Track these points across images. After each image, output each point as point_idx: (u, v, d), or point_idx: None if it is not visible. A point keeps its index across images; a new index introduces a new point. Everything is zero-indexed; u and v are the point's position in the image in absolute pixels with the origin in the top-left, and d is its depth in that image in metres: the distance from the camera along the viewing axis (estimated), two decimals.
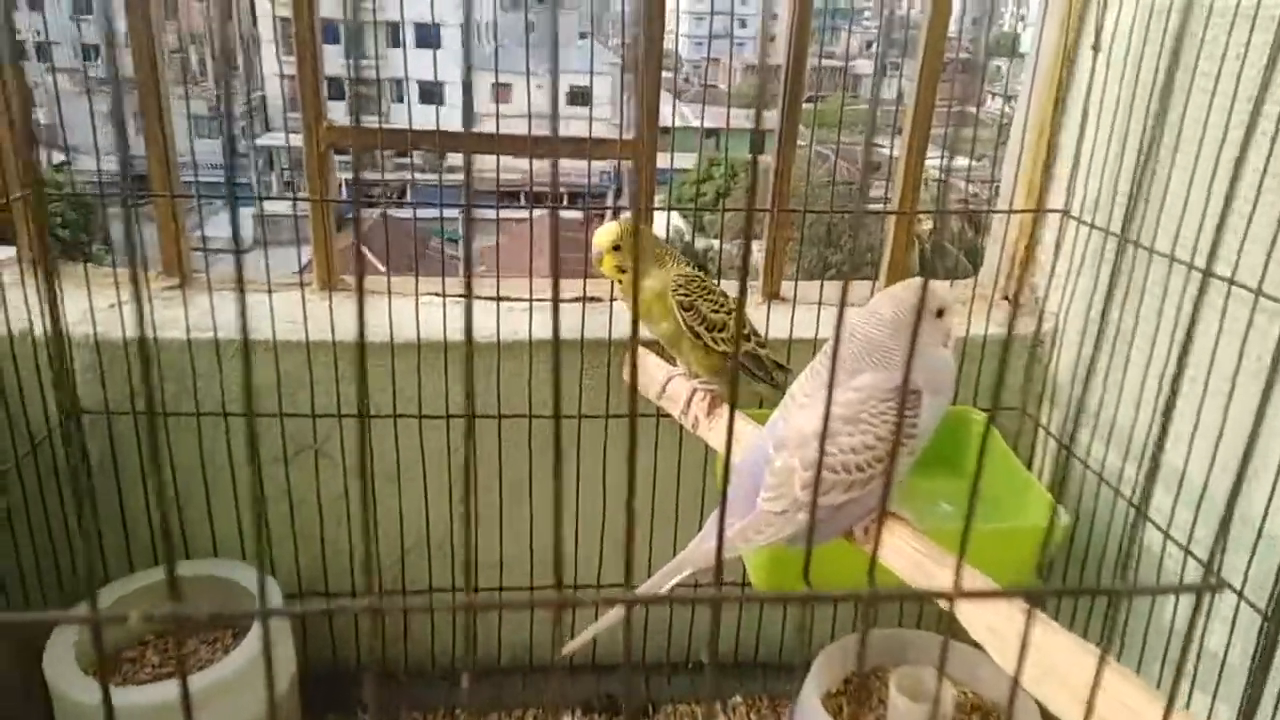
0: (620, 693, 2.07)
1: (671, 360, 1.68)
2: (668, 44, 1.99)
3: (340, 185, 1.96)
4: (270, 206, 1.82)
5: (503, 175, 1.79)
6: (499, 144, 1.81)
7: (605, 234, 1.57)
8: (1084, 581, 1.83)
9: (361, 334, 0.44)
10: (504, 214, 1.87)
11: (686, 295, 1.55)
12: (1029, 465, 2.04)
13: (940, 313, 1.20)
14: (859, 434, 1.18)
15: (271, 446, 1.82)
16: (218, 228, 2.19)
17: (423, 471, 1.87)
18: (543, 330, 1.81)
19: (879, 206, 1.94)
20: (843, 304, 0.54)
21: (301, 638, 1.90)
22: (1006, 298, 2.10)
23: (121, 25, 1.73)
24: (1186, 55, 1.55)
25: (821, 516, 1.22)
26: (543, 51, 1.71)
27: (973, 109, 1.90)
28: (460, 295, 1.86)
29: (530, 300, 1.83)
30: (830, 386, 1.07)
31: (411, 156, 1.90)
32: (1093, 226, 1.81)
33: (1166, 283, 1.60)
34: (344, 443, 1.83)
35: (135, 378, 1.73)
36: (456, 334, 1.78)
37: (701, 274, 1.60)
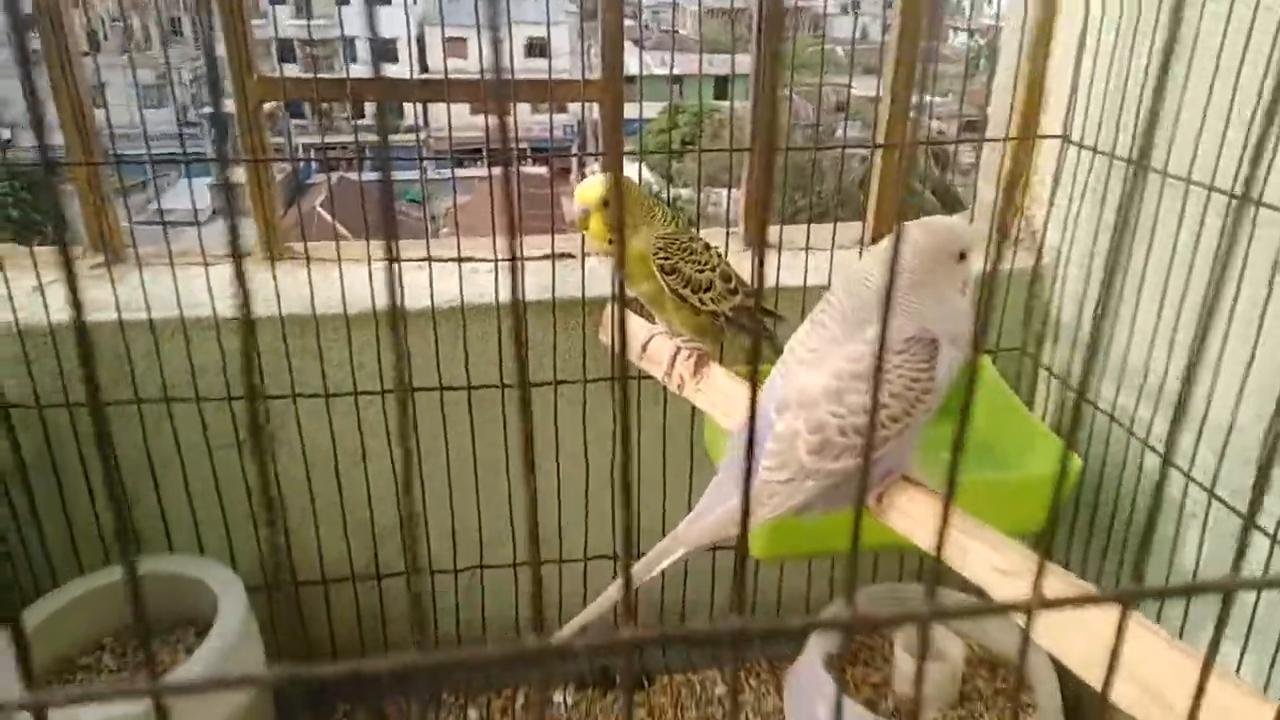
0: (615, 665, 1.98)
1: (651, 318, 1.55)
2: None
3: (299, 149, 1.78)
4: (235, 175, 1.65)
5: (463, 133, 1.64)
6: (451, 91, 1.65)
7: (591, 189, 1.39)
8: (1095, 529, 1.74)
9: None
10: (464, 172, 1.72)
11: (668, 258, 1.41)
12: (1030, 407, 1.94)
13: (961, 255, 1.08)
14: (869, 392, 1.06)
15: (222, 432, 1.67)
16: (177, 199, 2.02)
17: (362, 451, 1.74)
18: (530, 290, 1.67)
19: (859, 146, 1.80)
20: (833, 247, 0.42)
21: (271, 633, 1.77)
22: (1002, 231, 1.98)
23: None
24: None
25: (831, 484, 1.10)
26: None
27: (936, 43, 1.78)
28: (420, 259, 1.71)
29: (495, 260, 1.69)
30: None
31: (361, 114, 1.73)
32: (1096, 151, 1.68)
33: (1182, 209, 1.49)
34: (301, 424, 1.69)
35: (68, 365, 1.58)
36: (416, 301, 1.64)
37: (683, 231, 1.46)
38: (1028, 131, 1.87)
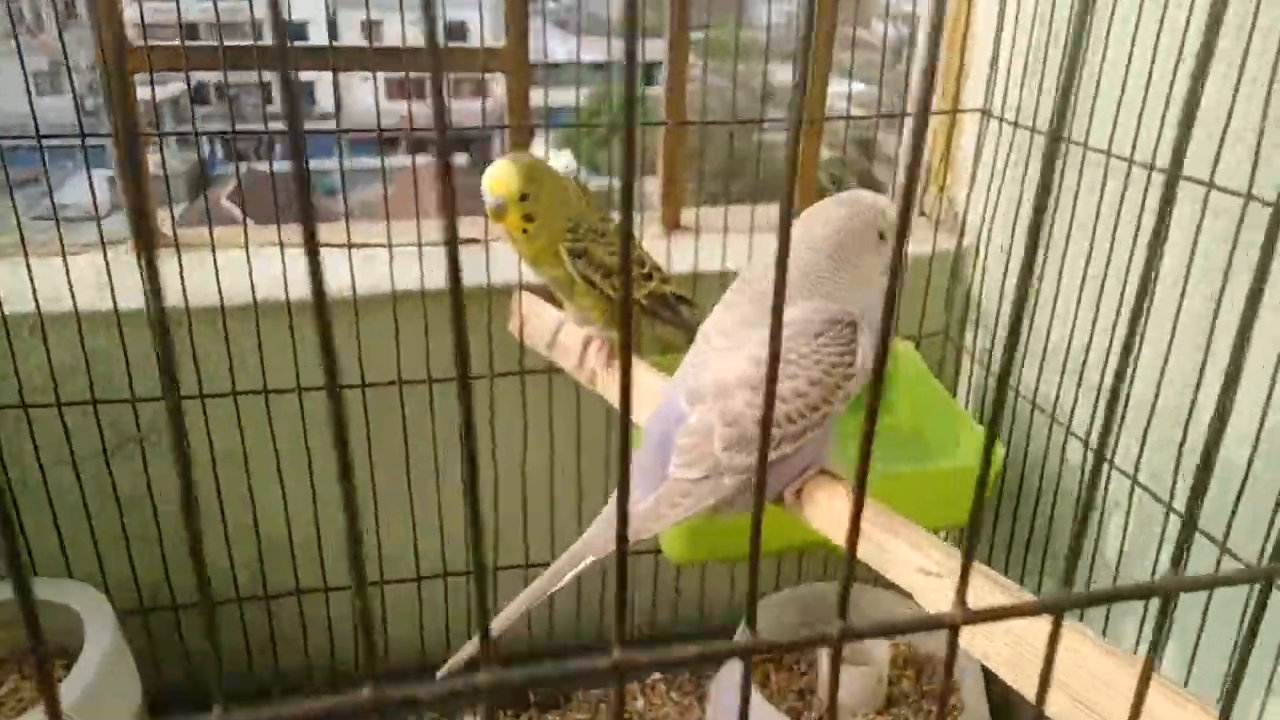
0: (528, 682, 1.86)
1: (560, 305, 1.44)
2: None
3: (196, 135, 1.61)
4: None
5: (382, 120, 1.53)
6: (339, 57, 1.52)
7: (506, 178, 1.22)
8: (1018, 520, 1.70)
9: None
10: (384, 160, 1.59)
11: (577, 240, 1.30)
12: (954, 394, 1.89)
13: (882, 235, 1.00)
14: (787, 378, 0.98)
15: (87, 440, 1.51)
16: (73, 193, 1.84)
17: (274, 453, 1.60)
18: (417, 280, 1.55)
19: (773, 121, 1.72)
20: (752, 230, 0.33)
21: (151, 660, 1.63)
22: (923, 213, 1.93)
23: None
24: None
25: (747, 480, 1.02)
26: None
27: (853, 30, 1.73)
28: (326, 245, 1.58)
29: (389, 246, 1.56)
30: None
31: (269, 99, 1.58)
32: (1016, 125, 1.63)
33: (1102, 183, 1.44)
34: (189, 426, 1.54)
35: None
36: (302, 293, 1.50)
37: (594, 211, 1.35)
38: (949, 104, 1.82)
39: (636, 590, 1.90)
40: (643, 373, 1.30)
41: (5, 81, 1.66)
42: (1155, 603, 1.34)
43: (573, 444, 1.72)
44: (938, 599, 0.87)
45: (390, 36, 1.55)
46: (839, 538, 1.02)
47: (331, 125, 1.56)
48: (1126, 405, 1.42)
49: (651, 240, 1.76)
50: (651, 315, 1.42)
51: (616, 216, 1.39)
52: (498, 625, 1.02)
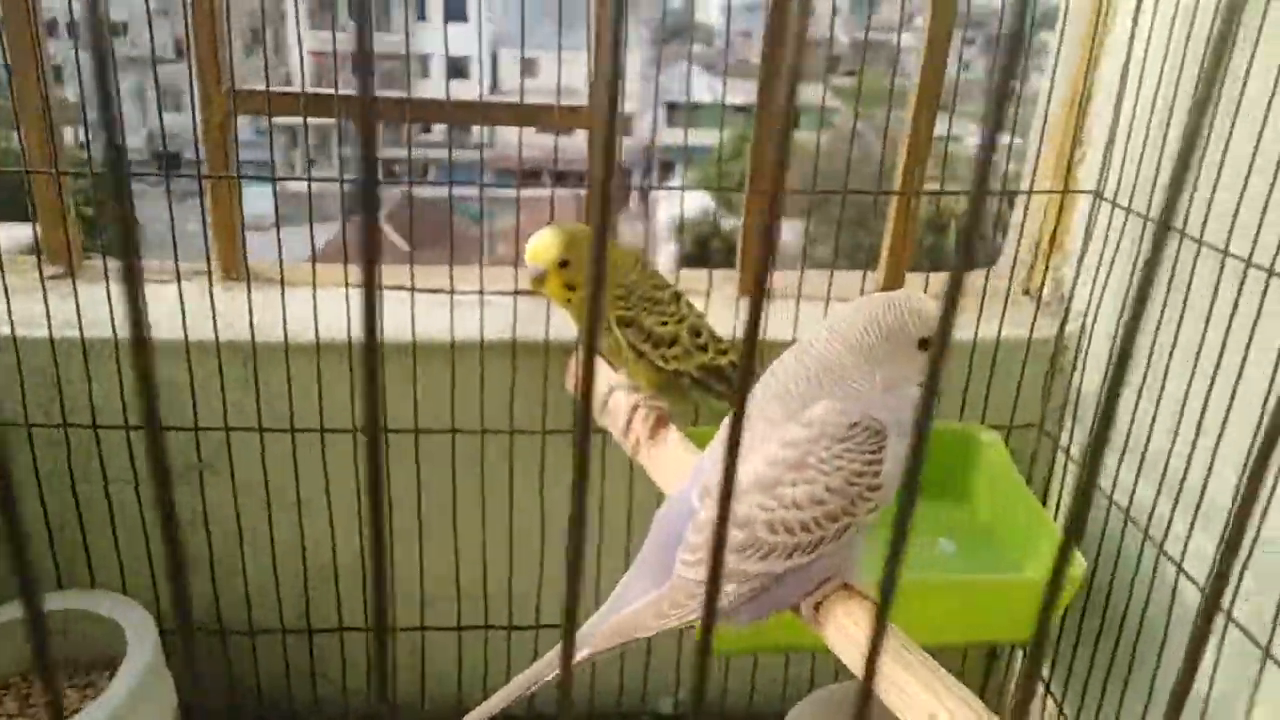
0: None
1: (615, 367, 1.40)
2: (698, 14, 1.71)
3: (275, 180, 1.66)
4: (292, 186, 1.57)
5: (528, 153, 1.54)
6: (414, 110, 1.54)
7: (545, 247, 1.22)
8: (1102, 634, 1.53)
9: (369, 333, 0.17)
10: (529, 192, 1.59)
11: (628, 309, 1.26)
12: (1045, 493, 1.74)
13: (923, 343, 0.91)
14: (804, 483, 0.90)
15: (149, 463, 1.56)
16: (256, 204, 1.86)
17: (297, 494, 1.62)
18: (490, 330, 1.54)
19: (873, 187, 1.63)
20: (757, 311, 0.27)
21: (190, 676, 1.65)
22: (1027, 292, 1.80)
23: None
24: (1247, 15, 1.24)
25: (756, 588, 0.94)
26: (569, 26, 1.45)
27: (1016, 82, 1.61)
28: (393, 287, 1.60)
29: (450, 292, 1.55)
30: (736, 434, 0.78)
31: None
32: (1129, 211, 1.49)
33: (1217, 281, 1.29)
34: (233, 459, 1.57)
35: None
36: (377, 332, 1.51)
37: (649, 278, 1.31)
38: (1060, 184, 1.68)
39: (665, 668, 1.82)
40: (674, 445, 1.24)
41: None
42: None
43: (624, 507, 1.66)
44: None
45: (543, 73, 1.55)
46: (853, 664, 0.92)
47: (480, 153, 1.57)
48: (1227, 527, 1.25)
49: (727, 302, 1.69)
50: (704, 388, 1.36)
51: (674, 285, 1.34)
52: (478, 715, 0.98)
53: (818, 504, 0.90)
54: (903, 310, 0.91)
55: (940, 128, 1.65)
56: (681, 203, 1.62)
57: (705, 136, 1.91)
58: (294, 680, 1.75)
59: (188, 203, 1.63)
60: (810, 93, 1.75)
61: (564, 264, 1.21)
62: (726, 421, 0.98)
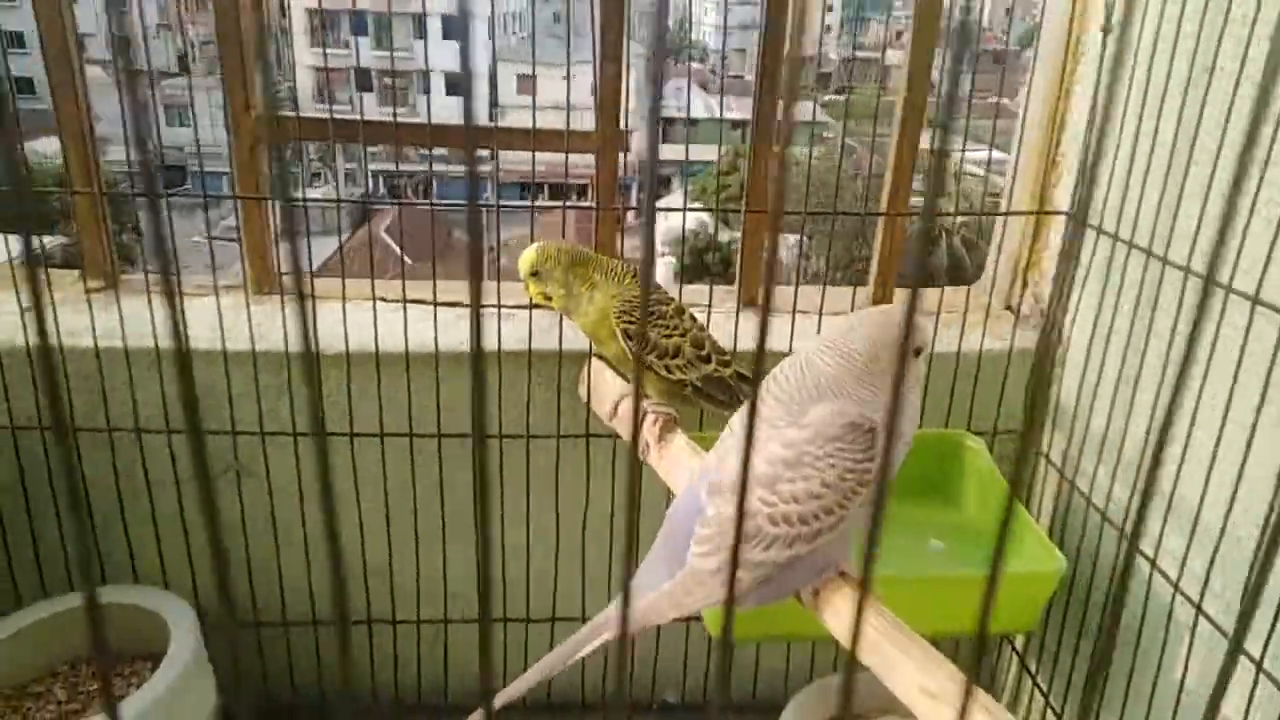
0: None
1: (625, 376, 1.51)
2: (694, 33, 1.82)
3: (305, 203, 1.78)
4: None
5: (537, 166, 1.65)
6: (430, 134, 1.65)
7: (521, 261, 1.43)
8: (1084, 629, 1.64)
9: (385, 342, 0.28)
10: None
11: (631, 322, 1.38)
12: (1028, 496, 1.85)
13: (918, 352, 1.02)
14: (801, 479, 1.01)
15: (189, 465, 1.67)
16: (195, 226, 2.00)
17: (356, 493, 1.72)
18: (507, 341, 1.65)
19: (859, 208, 1.75)
20: (764, 321, 0.38)
21: (232, 668, 1.76)
22: (1008, 307, 1.91)
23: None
24: (1211, 44, 1.35)
25: (761, 576, 1.05)
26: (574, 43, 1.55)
27: (1004, 100, 1.73)
28: (395, 300, 1.70)
29: (474, 306, 1.66)
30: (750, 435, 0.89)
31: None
32: (1099, 231, 1.61)
33: (1181, 297, 1.41)
34: (269, 462, 1.68)
35: (40, 390, 1.59)
36: (387, 344, 1.62)
37: (654, 291, 1.42)
38: (1037, 205, 1.80)
39: (673, 661, 1.92)
40: (680, 449, 1.35)
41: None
42: None
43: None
44: None
45: (543, 90, 1.63)
46: (847, 642, 1.03)
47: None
48: (1196, 524, 1.36)
49: (729, 314, 1.80)
50: (706, 398, 1.47)
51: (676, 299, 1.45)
52: (503, 698, 1.08)
53: (814, 498, 1.01)
54: (899, 323, 1.03)
55: (927, 143, 1.76)
56: (684, 220, 1.73)
57: (702, 152, 2.00)
58: (324, 672, 1.86)
59: (196, 215, 1.74)
60: (803, 109, 1.85)
61: (535, 274, 1.39)
62: (730, 426, 1.09)
